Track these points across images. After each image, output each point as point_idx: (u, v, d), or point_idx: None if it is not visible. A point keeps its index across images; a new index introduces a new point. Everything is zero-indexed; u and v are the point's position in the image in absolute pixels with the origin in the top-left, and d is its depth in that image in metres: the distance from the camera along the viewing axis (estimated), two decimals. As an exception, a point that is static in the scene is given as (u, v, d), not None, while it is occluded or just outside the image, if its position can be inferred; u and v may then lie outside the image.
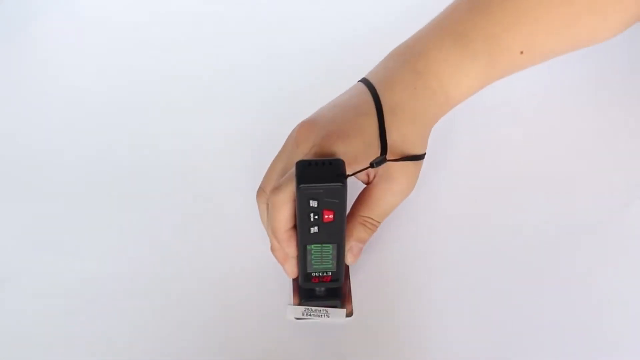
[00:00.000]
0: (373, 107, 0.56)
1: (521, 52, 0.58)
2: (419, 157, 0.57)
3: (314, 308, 0.57)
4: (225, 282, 0.60)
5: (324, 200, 0.50)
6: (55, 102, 0.75)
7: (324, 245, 0.54)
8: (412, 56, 0.58)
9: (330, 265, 0.55)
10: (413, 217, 0.62)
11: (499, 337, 0.56)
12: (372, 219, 0.57)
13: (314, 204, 0.50)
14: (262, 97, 0.73)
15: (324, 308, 0.57)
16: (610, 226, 0.62)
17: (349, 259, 0.57)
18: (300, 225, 0.52)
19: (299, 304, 0.57)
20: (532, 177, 0.65)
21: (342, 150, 0.53)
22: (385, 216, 0.58)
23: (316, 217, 0.51)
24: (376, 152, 0.55)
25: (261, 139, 0.68)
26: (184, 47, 0.79)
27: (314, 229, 0.52)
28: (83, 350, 0.57)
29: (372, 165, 0.54)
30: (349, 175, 0.51)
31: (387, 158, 0.55)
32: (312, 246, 0.54)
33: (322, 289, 0.57)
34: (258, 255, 0.61)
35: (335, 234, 0.53)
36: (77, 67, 0.78)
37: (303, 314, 0.57)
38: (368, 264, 0.60)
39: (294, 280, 0.59)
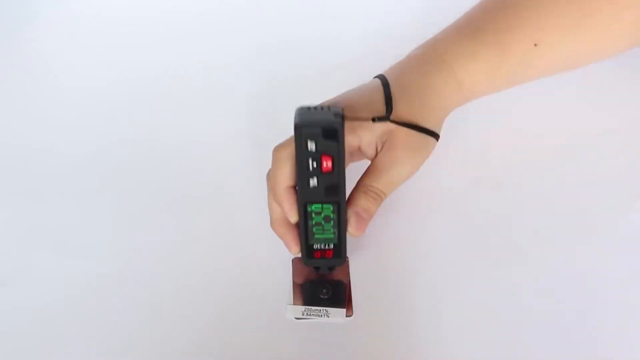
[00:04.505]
0: (380, 85, 0.58)
1: (535, 45, 0.59)
2: (425, 131, 0.57)
3: (314, 308, 0.57)
4: (225, 281, 0.60)
5: (321, 142, 0.51)
6: (55, 103, 0.75)
7: (324, 206, 0.54)
8: (424, 50, 0.60)
9: (331, 235, 0.55)
10: (414, 216, 0.63)
11: (499, 337, 0.56)
12: (373, 186, 0.56)
13: (311, 146, 0.51)
14: (263, 92, 0.73)
15: (324, 308, 0.57)
16: (611, 225, 0.62)
17: (350, 228, 0.56)
18: (299, 176, 0.53)
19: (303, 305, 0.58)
20: (533, 175, 0.65)
21: (349, 114, 0.54)
22: (389, 186, 0.57)
23: (315, 164, 0.52)
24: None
25: (261, 136, 0.68)
26: (183, 45, 0.79)
27: (313, 182, 0.53)
28: (83, 350, 0.57)
29: (373, 120, 0.55)
30: (348, 119, 0.52)
31: (391, 121, 0.56)
32: (313, 207, 0.54)
33: (324, 273, 0.58)
34: (258, 255, 0.61)
35: (335, 189, 0.53)
36: (76, 67, 0.78)
37: (303, 314, 0.57)
38: (368, 264, 0.60)
39: (294, 279, 0.59)
